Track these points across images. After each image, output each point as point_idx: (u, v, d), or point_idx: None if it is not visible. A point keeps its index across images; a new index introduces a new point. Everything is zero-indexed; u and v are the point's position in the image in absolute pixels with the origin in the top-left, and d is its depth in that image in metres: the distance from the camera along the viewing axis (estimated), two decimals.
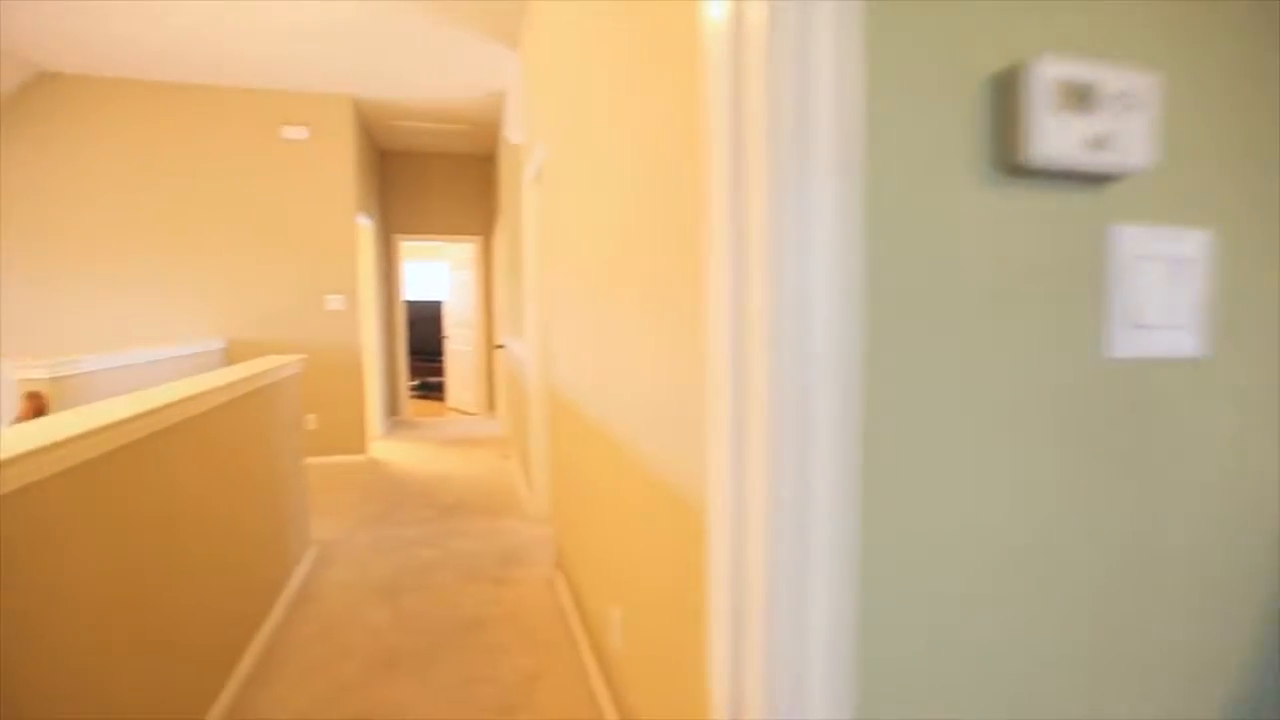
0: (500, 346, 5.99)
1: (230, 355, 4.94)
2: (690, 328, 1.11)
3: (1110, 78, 0.63)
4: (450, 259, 7.75)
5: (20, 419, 2.82)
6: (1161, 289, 0.68)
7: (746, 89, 0.55)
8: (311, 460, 5.06)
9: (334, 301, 5.08)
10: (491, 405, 7.27)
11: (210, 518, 2.07)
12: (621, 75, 1.58)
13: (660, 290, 1.29)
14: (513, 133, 5.15)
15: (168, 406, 1.77)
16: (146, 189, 4.78)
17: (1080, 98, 0.61)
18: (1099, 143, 0.62)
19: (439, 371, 8.68)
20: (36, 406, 2.86)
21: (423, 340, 8.70)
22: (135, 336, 4.77)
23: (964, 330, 0.65)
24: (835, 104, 0.53)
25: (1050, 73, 0.61)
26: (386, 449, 5.68)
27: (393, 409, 7.04)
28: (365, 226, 5.76)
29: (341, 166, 5.06)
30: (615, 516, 1.84)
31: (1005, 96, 0.64)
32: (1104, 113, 0.62)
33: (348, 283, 5.11)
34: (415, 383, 8.72)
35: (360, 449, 5.26)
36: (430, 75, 4.70)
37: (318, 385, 5.08)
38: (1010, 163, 0.64)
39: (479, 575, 3.10)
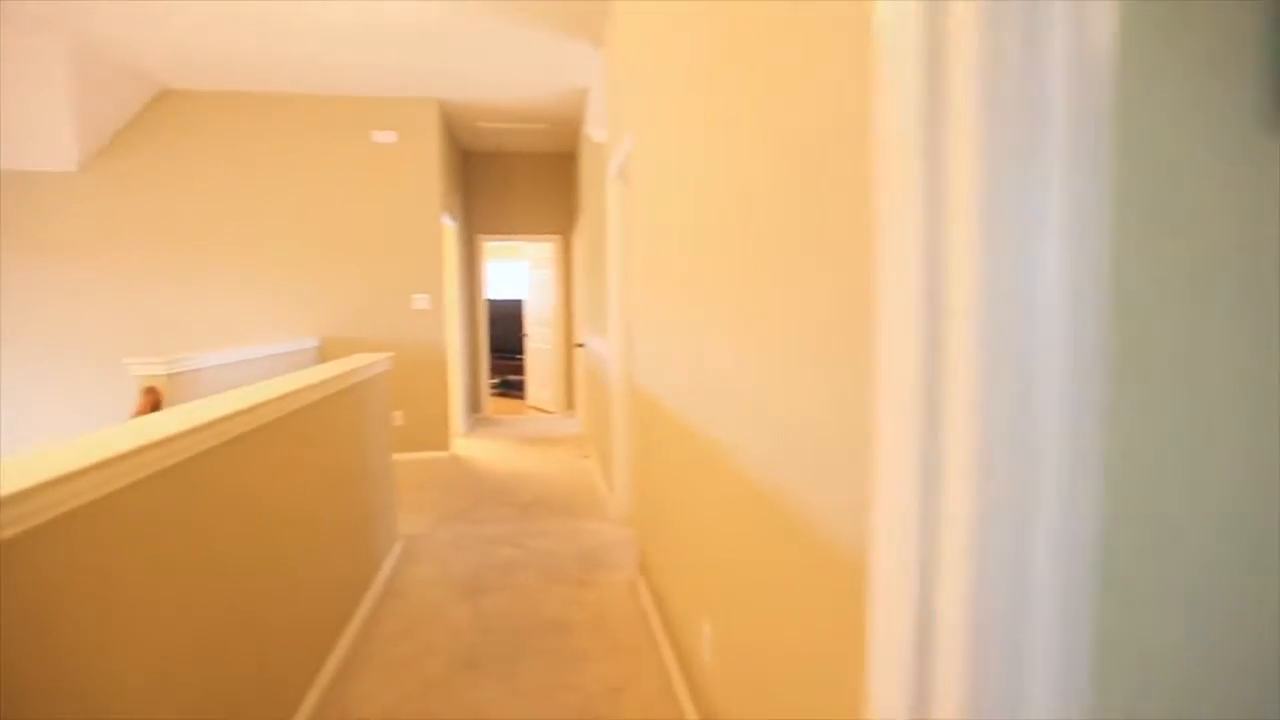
0: (580, 345, 6.00)
1: (323, 353, 5.13)
2: (843, 336, 0.93)
3: None
4: (530, 258, 7.84)
5: (139, 412, 2.99)
6: None
7: (951, 28, 0.42)
8: (398, 456, 5.19)
9: (420, 301, 5.20)
10: (570, 403, 7.31)
11: (305, 513, 2.10)
12: (749, 62, 1.47)
13: (797, 292, 1.14)
14: (594, 130, 5.12)
15: (265, 404, 1.79)
16: (249, 195, 5.02)
17: None
18: None
19: (519, 370, 8.80)
20: (153, 401, 3.02)
21: (503, 338, 8.85)
22: (239, 334, 5.02)
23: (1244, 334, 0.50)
24: (1074, 43, 0.41)
25: None
26: (468, 446, 5.78)
27: (474, 406, 7.18)
28: (449, 227, 5.87)
29: (427, 168, 5.17)
30: (710, 530, 1.74)
31: None
32: None
33: (433, 282, 5.22)
34: (496, 380, 8.89)
35: (444, 445, 5.36)
36: (512, 75, 4.73)
37: (404, 382, 5.20)
38: None
39: (560, 576, 3.07)
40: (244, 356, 3.79)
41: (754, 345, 1.33)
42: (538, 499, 4.25)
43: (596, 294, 5.27)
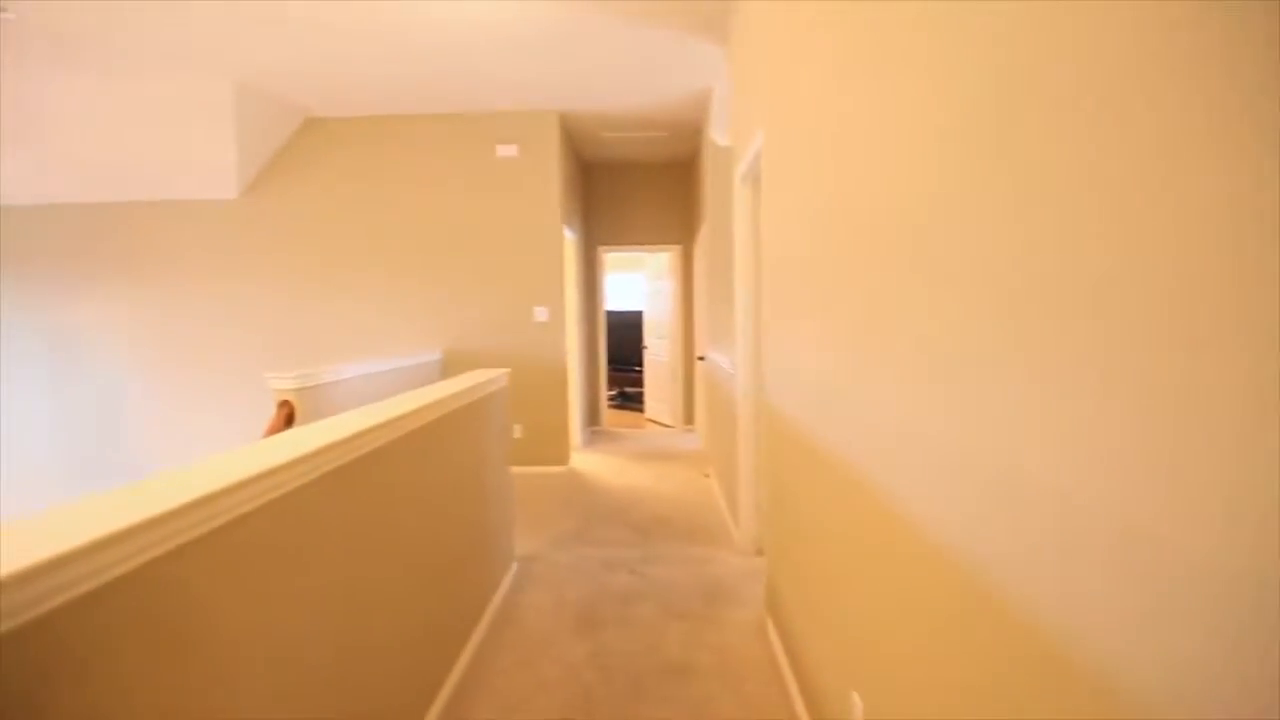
0: (701, 359, 5.76)
1: (446, 365, 5.22)
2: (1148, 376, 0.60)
3: None
4: (648, 268, 7.72)
5: (274, 424, 3.08)
6: None
7: None
8: (516, 469, 5.19)
9: (540, 313, 5.18)
10: (689, 418, 7.09)
11: (424, 533, 2.01)
12: (923, 46, 1.20)
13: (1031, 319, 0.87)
14: (717, 133, 4.90)
15: (389, 423, 1.72)
16: (382, 213, 5.22)
17: None
18: None
19: (637, 382, 8.71)
20: (288, 413, 3.10)
21: (621, 350, 8.79)
22: (372, 346, 5.21)
23: None
24: None
25: None
26: (585, 460, 5.69)
27: (592, 419, 7.13)
28: (569, 239, 5.84)
29: (548, 180, 5.15)
30: (865, 587, 1.44)
31: None
32: None
33: (553, 295, 5.19)
34: (613, 392, 8.84)
35: (562, 460, 5.30)
36: (633, 80, 4.60)
37: (524, 395, 5.20)
38: None
39: (682, 610, 2.83)
40: (371, 370, 3.87)
41: (947, 384, 1.04)
42: (657, 520, 4.05)
43: (719, 305, 5.03)
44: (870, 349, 1.40)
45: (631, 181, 6.96)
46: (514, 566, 3.29)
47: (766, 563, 2.80)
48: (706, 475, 5.12)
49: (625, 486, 4.82)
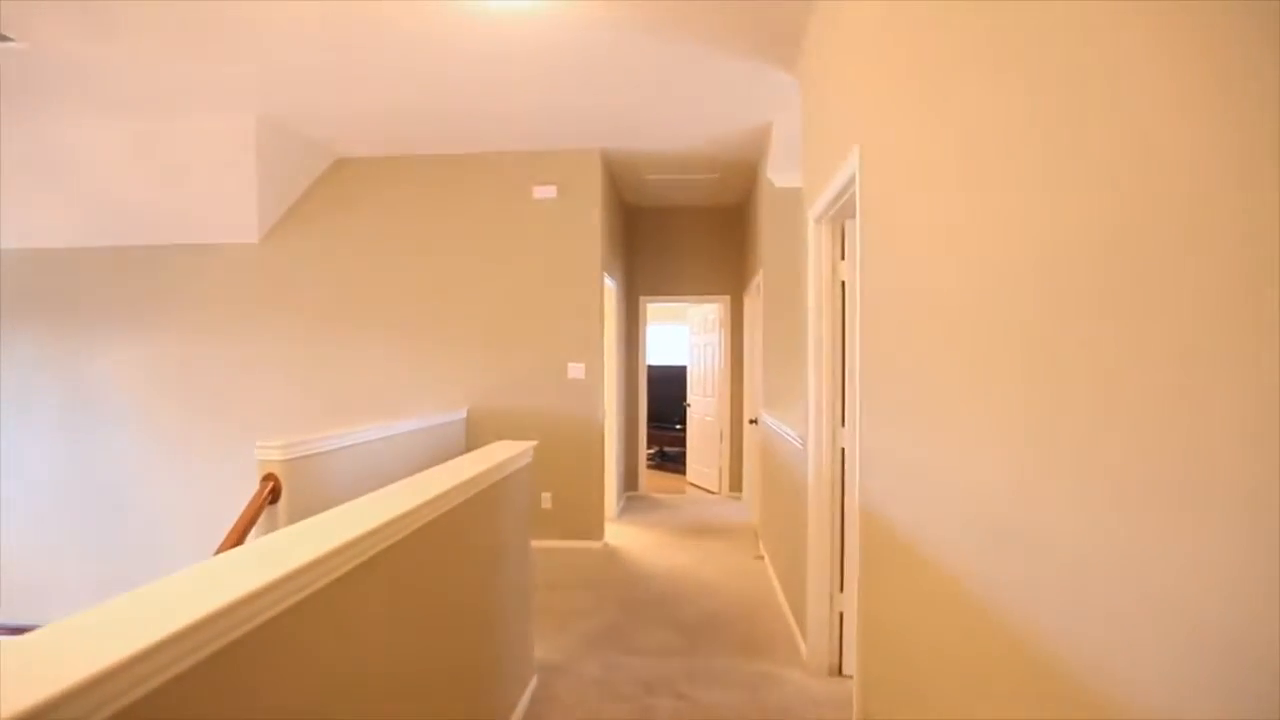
0: (753, 422, 5.16)
1: (471, 426, 4.73)
2: None
3: None
4: (692, 320, 7.20)
5: (256, 501, 2.58)
6: None
7: None
8: (543, 544, 4.61)
9: (575, 370, 4.67)
10: (736, 484, 6.43)
11: (420, 654, 1.46)
12: None
13: None
14: (777, 174, 4.41)
15: (376, 532, 1.26)
16: (409, 259, 4.83)
17: None
18: None
19: (679, 441, 8.10)
20: (271, 488, 2.61)
21: (662, 406, 8.22)
22: (393, 401, 4.75)
23: None
24: None
25: None
26: (622, 534, 5.08)
27: (630, 483, 6.53)
28: (610, 288, 5.38)
29: (588, 224, 4.71)
30: None
31: None
32: None
33: (591, 349, 4.68)
34: (652, 450, 8.24)
35: (595, 534, 4.70)
36: (683, 113, 4.16)
37: (554, 460, 4.65)
38: None
39: None
40: (382, 434, 3.37)
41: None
42: (706, 618, 3.41)
43: (778, 365, 4.46)
44: (1106, 464, 0.81)
45: (678, 227, 6.51)
46: (533, 681, 2.69)
47: (857, 695, 2.15)
48: (760, 557, 4.46)
49: (667, 570, 4.18)
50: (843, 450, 2.75)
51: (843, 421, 2.75)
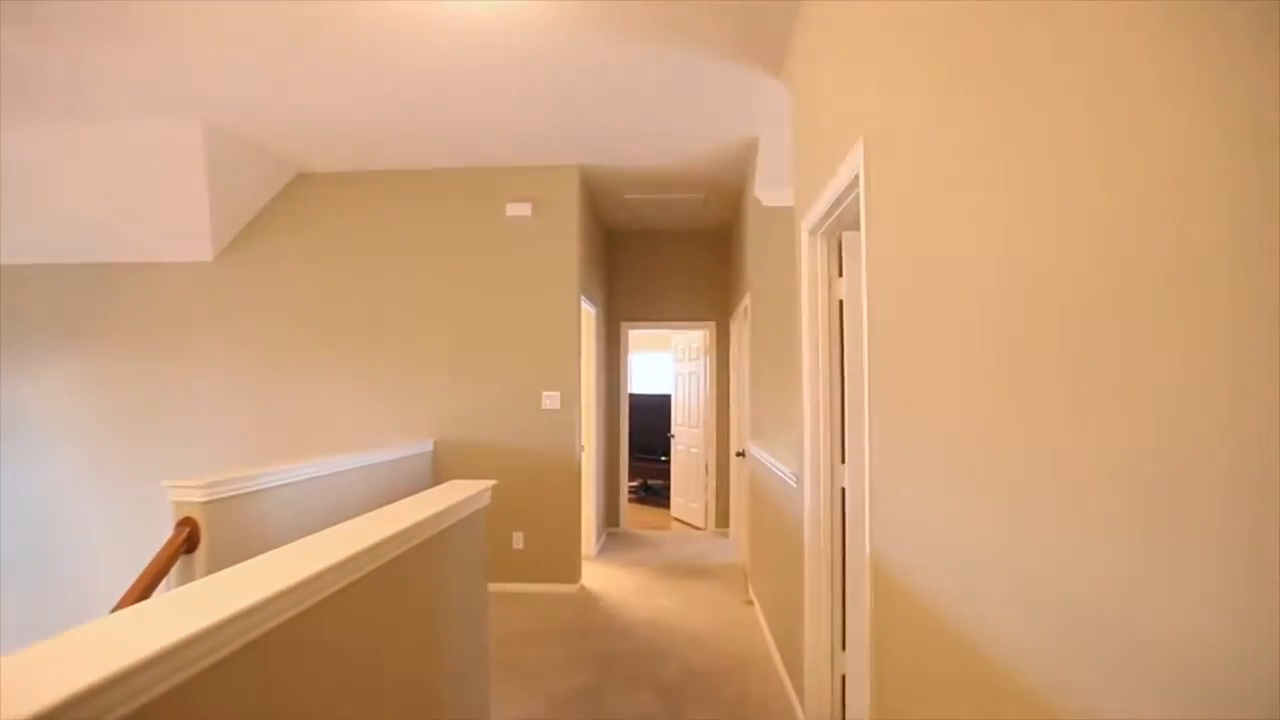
0: (740, 454, 4.85)
1: (438, 458, 4.38)
2: None
3: None
4: (676, 348, 6.92)
5: (169, 550, 2.23)
6: None
7: None
8: (514, 588, 4.24)
9: (549, 399, 4.35)
10: (722, 519, 6.09)
11: None
12: None
13: None
14: (766, 192, 4.17)
15: (291, 591, 1.02)
16: (372, 280, 4.52)
17: None
18: None
19: (661, 474, 7.76)
20: (189, 536, 2.25)
21: (645, 437, 7.88)
22: (352, 431, 4.40)
23: None
24: None
25: None
26: (601, 575, 4.71)
27: (610, 518, 6.17)
28: (589, 313, 5.09)
29: (565, 244, 4.43)
30: None
31: None
32: None
33: (567, 376, 4.37)
34: (635, 483, 7.88)
35: (571, 576, 4.34)
36: (664, 127, 3.93)
37: (527, 496, 4.31)
38: None
39: None
40: (327, 470, 3.03)
41: None
42: (691, 676, 3.06)
43: (767, 394, 4.17)
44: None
45: (660, 251, 6.26)
46: None
47: None
48: (749, 602, 4.11)
49: (649, 617, 3.82)
50: (842, 490, 2.45)
51: (842, 458, 2.45)
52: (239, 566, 1.25)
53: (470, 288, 4.47)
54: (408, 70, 3.24)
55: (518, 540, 4.32)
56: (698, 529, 6.31)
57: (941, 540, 1.29)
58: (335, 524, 1.66)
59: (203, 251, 4.55)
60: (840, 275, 2.48)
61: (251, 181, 4.41)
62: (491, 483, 2.32)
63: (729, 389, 5.95)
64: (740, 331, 5.19)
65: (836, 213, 2.25)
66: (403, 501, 2.03)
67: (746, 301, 4.52)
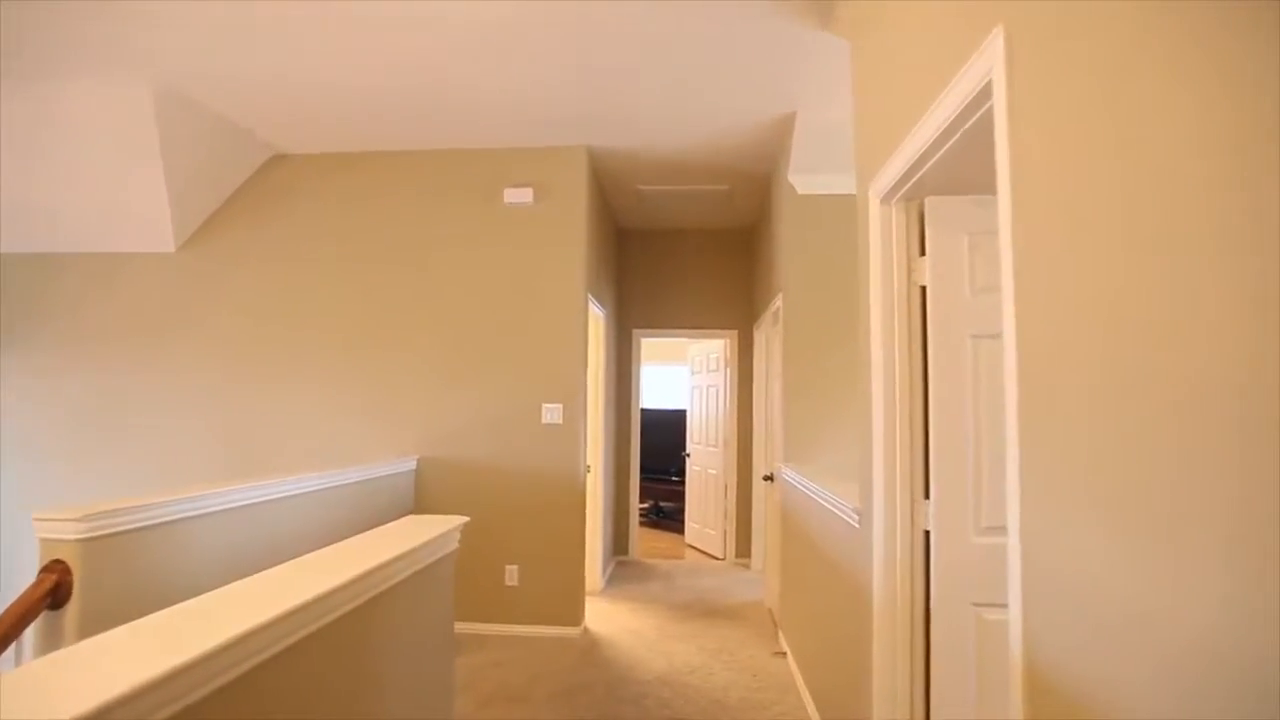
0: (769, 478, 4.26)
1: (421, 478, 3.81)
2: None
3: None
4: (693, 359, 6.35)
5: (20, 605, 1.67)
6: None
7: None
8: (505, 631, 3.66)
9: (550, 412, 3.78)
10: (744, 549, 5.48)
11: None
12: None
13: None
14: (802, 177, 3.63)
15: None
16: (351, 275, 3.99)
17: None
18: None
19: (675, 495, 7.16)
20: (51, 588, 1.70)
21: (656, 456, 7.29)
22: (328, 444, 3.85)
23: None
24: None
25: None
26: (608, 614, 4.12)
27: (619, 545, 5.57)
28: (597, 316, 4.54)
29: (571, 235, 3.89)
30: None
31: None
32: None
33: (571, 387, 3.80)
34: (645, 505, 7.28)
35: (572, 618, 3.74)
36: (685, 99, 3.39)
37: (523, 524, 3.73)
38: None
39: None
40: (271, 494, 2.46)
41: None
42: None
43: (802, 408, 3.59)
44: None
45: (677, 252, 5.71)
46: None
47: None
48: (781, 653, 3.51)
49: (663, 672, 3.22)
50: (925, 535, 1.86)
51: (926, 492, 1.87)
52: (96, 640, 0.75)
53: (463, 284, 3.93)
54: (394, 27, 2.73)
55: (511, 575, 3.73)
56: (715, 559, 5.70)
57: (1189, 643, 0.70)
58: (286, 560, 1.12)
59: (164, 242, 4.04)
60: (923, 254, 1.91)
61: (217, 162, 3.90)
62: (462, 520, 1.75)
63: (751, 404, 5.37)
64: (768, 339, 4.62)
65: (927, 166, 1.69)
66: (345, 544, 1.47)
67: (777, 304, 3.96)
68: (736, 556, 5.51)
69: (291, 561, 1.34)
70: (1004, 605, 1.84)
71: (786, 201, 3.74)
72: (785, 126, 3.66)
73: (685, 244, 5.71)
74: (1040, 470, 1.08)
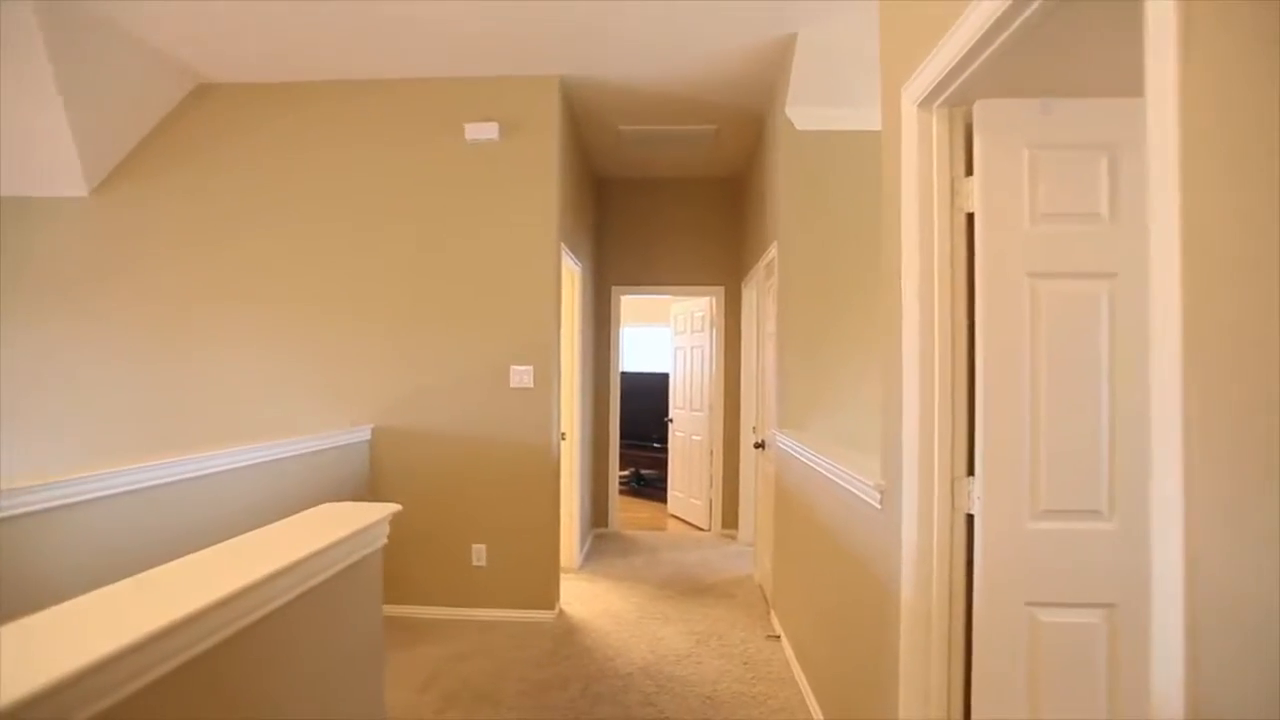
0: (760, 445, 3.93)
1: (376, 449, 3.43)
2: None
3: None
4: (677, 318, 5.98)
5: None
6: None
7: None
8: (473, 616, 3.33)
9: (519, 375, 3.40)
10: (731, 519, 5.19)
11: None
12: None
13: None
14: (802, 109, 3.23)
15: None
16: (292, 222, 3.53)
17: None
18: None
19: (657, 462, 6.85)
20: None
21: (639, 421, 6.96)
22: (268, 408, 3.44)
23: None
24: None
25: None
26: (585, 594, 3.80)
27: (598, 517, 5.25)
28: (573, 271, 4.13)
29: (542, 175, 3.46)
30: None
31: None
32: None
33: (543, 346, 3.42)
34: (625, 473, 6.97)
35: (546, 600, 3.41)
36: (671, 19, 2.94)
37: (491, 498, 3.38)
38: None
39: None
40: (191, 470, 2.07)
41: None
42: None
43: (800, 367, 3.25)
44: None
45: (659, 203, 5.29)
46: None
47: None
48: (775, 636, 3.22)
49: (647, 661, 2.91)
50: (968, 519, 1.53)
51: (969, 467, 1.53)
52: None
53: (420, 233, 3.49)
54: None
55: (478, 555, 3.39)
56: (700, 530, 5.41)
57: None
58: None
59: (74, 184, 3.54)
60: (969, 174, 1.54)
61: (130, 91, 3.38)
62: (391, 509, 1.38)
63: (739, 366, 5.03)
64: (759, 296, 4.25)
65: (983, 56, 1.30)
66: (227, 546, 1.09)
67: (771, 255, 3.58)
68: (723, 527, 5.23)
69: (134, 578, 0.96)
70: (1066, 605, 1.54)
71: (783, 140, 3.33)
72: (783, 53, 3.24)
73: (669, 194, 5.28)
74: (1218, 456, 0.72)
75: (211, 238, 3.56)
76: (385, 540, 1.37)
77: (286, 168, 3.54)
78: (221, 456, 2.29)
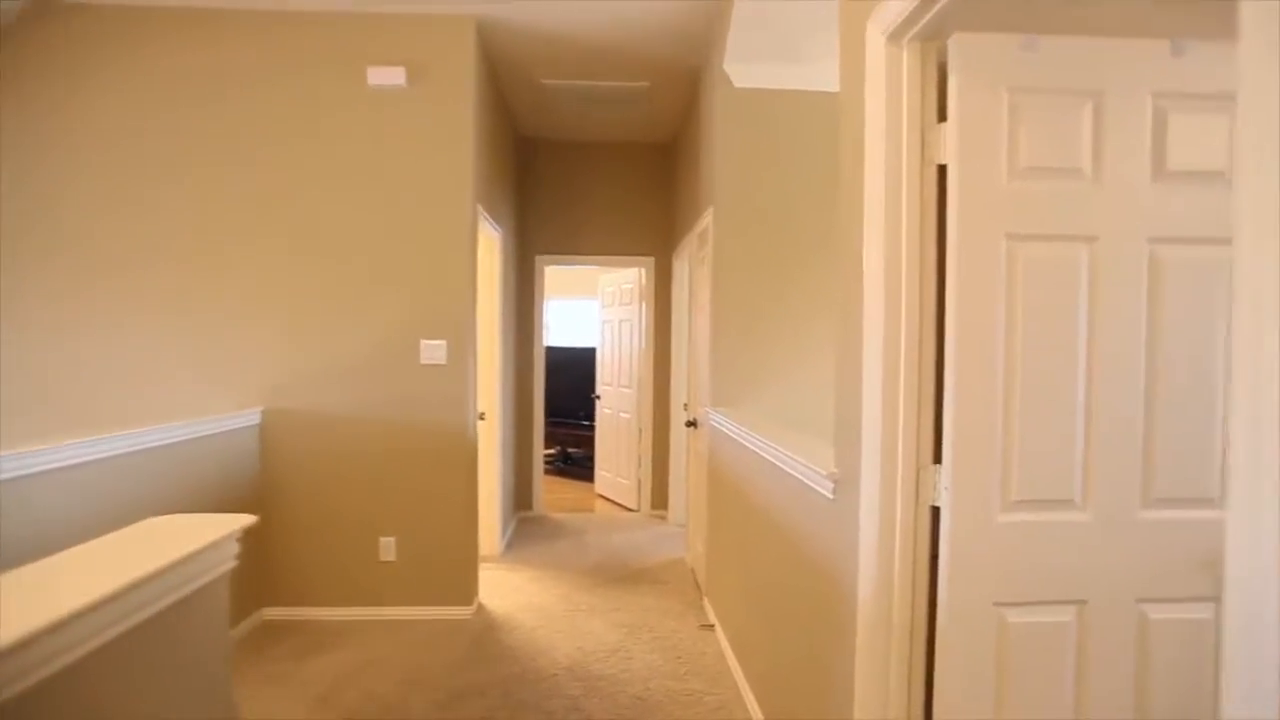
0: (692, 424, 3.75)
1: (267, 434, 3.04)
2: None
3: None
4: (604, 290, 5.72)
5: None
6: None
7: None
8: (380, 615, 3.03)
9: (431, 350, 3.08)
10: (661, 499, 5.03)
11: None
12: None
13: None
14: (740, 66, 3.02)
15: None
16: (170, 173, 3.05)
17: None
18: None
19: (585, 440, 6.62)
20: None
21: (565, 398, 6.70)
22: (137, 399, 2.99)
23: None
24: None
25: None
26: (506, 585, 3.55)
27: (522, 500, 4.99)
28: (492, 237, 3.80)
29: (455, 129, 3.11)
30: None
31: None
32: None
33: (457, 318, 3.10)
34: (552, 451, 6.72)
35: (463, 596, 3.15)
36: None
37: (400, 486, 3.06)
38: None
39: None
40: (20, 469, 1.68)
41: None
42: None
43: (736, 341, 3.07)
44: None
45: (587, 168, 4.99)
46: None
47: None
48: (709, 626, 3.07)
49: (574, 660, 2.70)
50: (933, 510, 1.37)
51: (935, 455, 1.36)
52: None
53: (315, 190, 3.08)
54: None
55: (386, 549, 3.07)
56: (629, 510, 5.24)
57: None
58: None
59: None
60: (941, 120, 1.35)
61: None
62: (245, 521, 1.09)
63: (670, 340, 4.84)
64: (691, 267, 4.05)
65: None
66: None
67: (706, 222, 3.37)
68: (652, 508, 5.06)
69: None
70: (1036, 604, 1.40)
71: (720, 98, 3.11)
72: (721, 3, 3.00)
73: (599, 159, 4.98)
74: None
75: (67, 192, 3.03)
76: (234, 562, 1.07)
77: (158, 107, 3.05)
78: (75, 448, 1.90)
